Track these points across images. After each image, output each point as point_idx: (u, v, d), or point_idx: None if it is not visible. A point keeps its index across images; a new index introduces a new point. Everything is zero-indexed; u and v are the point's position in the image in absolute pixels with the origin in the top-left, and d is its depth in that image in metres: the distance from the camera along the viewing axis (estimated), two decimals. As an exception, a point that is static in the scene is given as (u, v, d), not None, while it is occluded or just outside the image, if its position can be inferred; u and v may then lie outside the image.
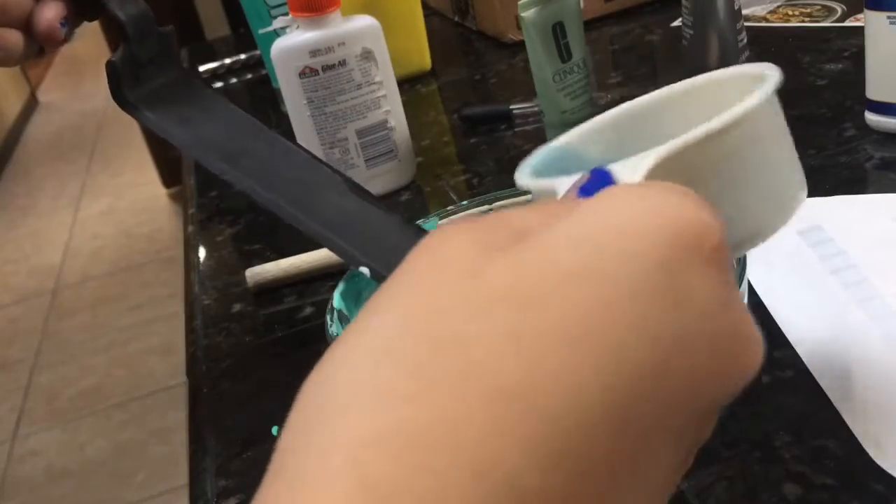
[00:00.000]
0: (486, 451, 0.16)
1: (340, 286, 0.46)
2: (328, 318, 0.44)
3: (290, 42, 0.67)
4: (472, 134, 0.81)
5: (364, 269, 0.43)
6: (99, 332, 2.46)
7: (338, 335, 0.42)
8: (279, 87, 0.69)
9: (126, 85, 0.48)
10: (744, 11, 0.73)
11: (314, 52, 0.66)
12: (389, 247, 0.44)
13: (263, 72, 1.10)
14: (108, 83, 0.47)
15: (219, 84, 1.18)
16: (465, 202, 0.52)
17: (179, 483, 1.80)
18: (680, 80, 0.35)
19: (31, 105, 4.81)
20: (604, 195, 0.20)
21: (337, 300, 0.45)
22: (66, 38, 0.48)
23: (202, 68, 1.21)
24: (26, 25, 0.47)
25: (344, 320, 0.44)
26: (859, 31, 0.67)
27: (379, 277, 0.43)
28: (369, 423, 0.17)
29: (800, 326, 0.44)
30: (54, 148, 4.20)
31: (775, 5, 0.93)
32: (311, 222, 0.45)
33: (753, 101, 0.27)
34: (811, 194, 0.56)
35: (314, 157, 0.48)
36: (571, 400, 0.17)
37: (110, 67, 0.47)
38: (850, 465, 0.36)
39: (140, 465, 1.89)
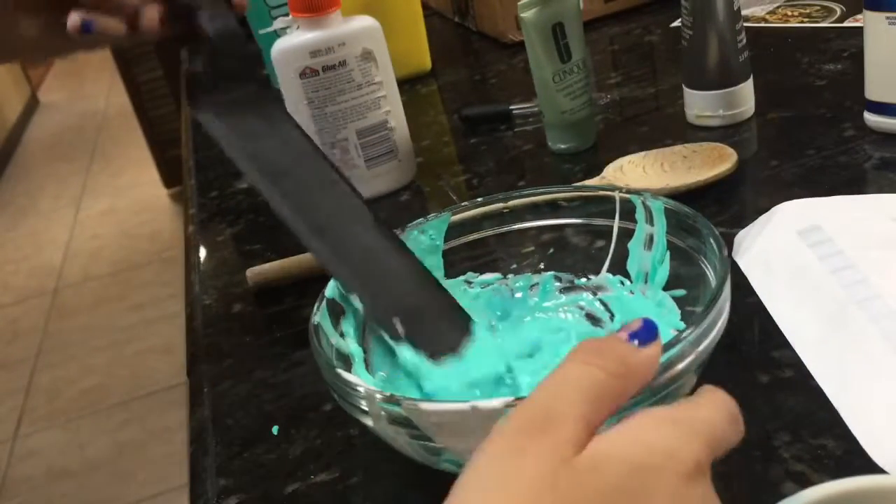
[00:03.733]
0: None
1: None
2: (316, 305, 0.44)
3: (291, 42, 0.67)
4: (472, 134, 0.81)
5: (357, 303, 0.44)
6: (99, 332, 2.46)
7: (320, 323, 0.42)
8: (279, 88, 0.69)
9: (201, 93, 0.50)
10: (743, 12, 0.73)
11: (314, 53, 0.66)
12: (395, 287, 0.45)
13: (263, 72, 1.10)
14: (185, 89, 0.50)
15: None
16: (466, 203, 0.52)
17: (179, 483, 1.80)
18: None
19: (31, 105, 4.81)
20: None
21: (330, 290, 0.45)
22: (157, 37, 0.53)
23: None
24: (131, 18, 0.52)
25: (334, 311, 0.44)
26: (858, 32, 0.67)
27: (366, 306, 0.44)
28: None
29: (799, 326, 0.44)
30: (55, 148, 4.20)
31: (775, 6, 0.94)
32: (326, 252, 0.46)
33: None
34: (811, 194, 0.57)
35: (354, 190, 0.50)
36: None
37: (189, 76, 0.50)
38: (850, 464, 0.36)
39: (140, 464, 1.89)
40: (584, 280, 0.48)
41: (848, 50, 0.78)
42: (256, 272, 0.61)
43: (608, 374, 0.27)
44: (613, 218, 0.47)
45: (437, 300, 0.46)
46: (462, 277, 0.50)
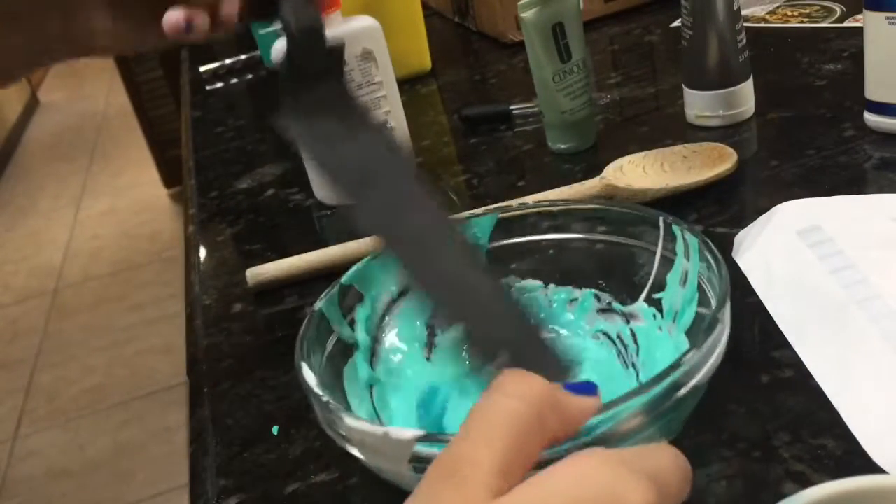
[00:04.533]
0: None
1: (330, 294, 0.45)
2: (326, 291, 0.43)
3: (291, 42, 0.67)
4: (472, 134, 0.81)
5: (459, 330, 0.41)
6: (99, 332, 2.47)
7: (322, 310, 0.42)
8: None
9: (283, 93, 0.47)
10: (743, 12, 0.73)
11: (314, 53, 0.66)
12: (499, 320, 0.42)
13: (263, 72, 1.10)
14: (279, 90, 0.47)
15: (219, 84, 1.18)
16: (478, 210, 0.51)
17: (179, 483, 1.80)
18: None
19: (31, 105, 4.81)
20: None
21: (349, 277, 0.45)
22: (236, 30, 0.51)
23: (202, 68, 1.21)
24: (213, 11, 0.50)
25: (348, 298, 0.44)
26: (858, 32, 0.67)
27: (471, 337, 0.40)
28: None
29: (799, 326, 0.44)
30: (55, 148, 4.20)
31: (775, 6, 0.94)
32: (426, 277, 0.42)
33: None
34: (811, 194, 0.57)
35: (446, 212, 0.45)
36: None
37: (276, 76, 0.48)
38: (850, 464, 0.36)
39: (140, 464, 1.89)
40: (620, 305, 0.47)
41: (848, 50, 0.78)
42: (256, 272, 0.61)
43: (528, 405, 0.25)
44: (657, 244, 0.45)
45: (540, 342, 0.42)
46: (502, 281, 0.48)
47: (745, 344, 0.45)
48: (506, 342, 0.41)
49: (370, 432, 0.33)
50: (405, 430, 0.31)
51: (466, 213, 0.49)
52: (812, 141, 0.64)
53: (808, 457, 0.37)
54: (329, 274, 0.61)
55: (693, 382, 0.33)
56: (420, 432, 0.31)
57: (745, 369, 0.43)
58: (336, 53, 0.49)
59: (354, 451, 0.35)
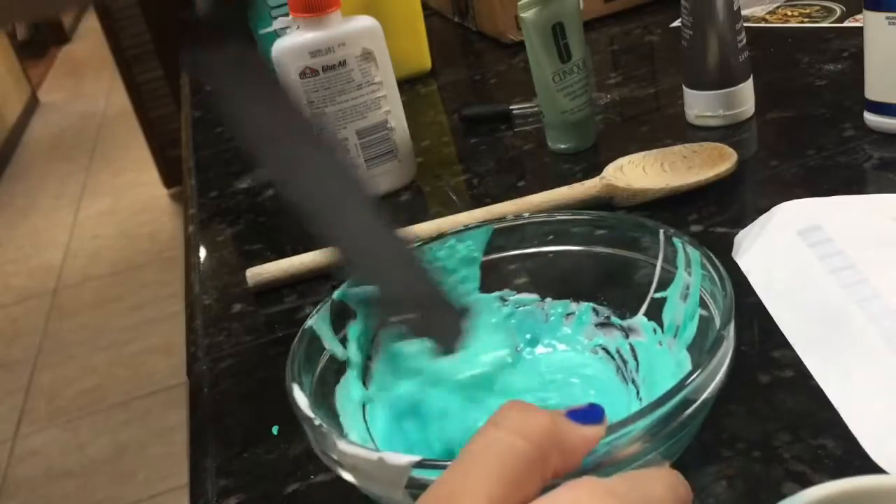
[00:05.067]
0: None
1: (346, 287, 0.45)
2: (317, 308, 0.43)
3: (291, 42, 0.67)
4: (472, 134, 0.81)
5: (367, 293, 0.42)
6: (99, 332, 2.47)
7: (313, 327, 0.42)
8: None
9: (195, 47, 0.45)
10: (743, 12, 0.73)
11: (314, 53, 0.66)
12: (406, 278, 0.43)
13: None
14: (181, 41, 0.45)
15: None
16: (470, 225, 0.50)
17: (179, 483, 1.80)
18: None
19: (31, 105, 4.81)
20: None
21: (340, 293, 0.44)
22: None
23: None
24: None
25: (340, 314, 0.43)
26: (858, 32, 0.67)
27: (386, 298, 0.41)
28: None
29: (799, 326, 0.44)
30: (55, 148, 4.20)
31: (774, 6, 0.94)
32: (332, 231, 0.42)
33: None
34: (811, 194, 0.57)
35: (355, 173, 0.46)
36: None
37: (185, 26, 0.45)
38: (850, 464, 0.36)
39: (140, 464, 1.89)
40: (619, 319, 0.45)
41: (848, 50, 0.78)
42: (256, 272, 0.61)
43: (529, 442, 0.24)
44: (657, 256, 0.43)
45: (442, 296, 0.43)
46: (497, 293, 0.48)
47: (745, 344, 0.45)
48: (411, 299, 0.42)
49: (364, 458, 0.32)
50: (400, 456, 0.30)
51: (461, 227, 0.48)
52: (812, 141, 0.64)
53: (808, 457, 0.37)
54: (328, 274, 0.61)
55: (697, 404, 0.32)
56: (416, 458, 0.30)
57: (745, 369, 0.43)
58: (244, 6, 0.47)
59: (348, 476, 0.34)
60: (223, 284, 0.65)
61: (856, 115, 0.64)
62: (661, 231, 0.43)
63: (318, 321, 0.42)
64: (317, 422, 0.35)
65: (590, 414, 0.28)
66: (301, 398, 0.37)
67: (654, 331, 0.43)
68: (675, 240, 0.42)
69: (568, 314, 0.47)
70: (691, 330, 0.40)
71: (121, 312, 2.53)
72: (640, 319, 0.44)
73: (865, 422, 0.38)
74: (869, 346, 0.41)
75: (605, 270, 0.46)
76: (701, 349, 0.38)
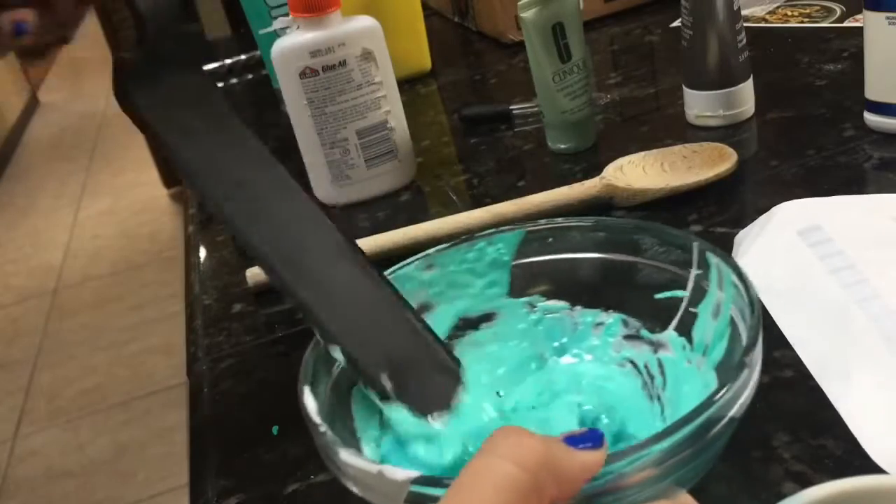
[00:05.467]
0: None
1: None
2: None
3: (291, 42, 0.67)
4: (472, 134, 0.81)
5: (337, 353, 0.39)
6: (99, 332, 2.47)
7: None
8: (279, 88, 0.69)
9: (133, 83, 0.42)
10: (743, 12, 0.73)
11: (314, 53, 0.66)
12: (381, 336, 0.40)
13: (263, 72, 1.10)
14: (113, 79, 0.42)
15: (219, 84, 1.18)
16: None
17: (179, 483, 1.80)
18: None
19: (31, 105, 4.81)
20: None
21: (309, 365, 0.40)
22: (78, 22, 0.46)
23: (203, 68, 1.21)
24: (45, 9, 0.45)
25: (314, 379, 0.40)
26: (858, 32, 0.67)
27: (351, 361, 0.39)
28: None
29: (799, 326, 0.44)
30: (55, 148, 4.20)
31: (774, 6, 0.94)
32: (293, 282, 0.40)
33: None
34: (811, 194, 0.57)
35: (320, 207, 0.43)
36: None
37: (118, 62, 0.42)
38: (850, 464, 0.36)
39: (140, 464, 1.89)
40: (649, 332, 0.43)
41: (848, 50, 0.78)
42: (256, 272, 0.61)
43: (523, 469, 0.24)
44: (690, 270, 0.41)
45: (426, 348, 0.41)
46: (526, 299, 0.46)
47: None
48: (387, 360, 0.39)
49: (364, 470, 0.31)
50: (399, 471, 0.30)
51: (492, 230, 0.46)
52: (812, 141, 0.64)
53: (808, 457, 0.37)
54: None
55: (714, 432, 0.31)
56: (414, 474, 0.30)
57: (745, 369, 0.43)
58: (193, 38, 0.44)
59: (350, 486, 0.33)
60: (223, 284, 0.65)
61: (856, 115, 0.64)
62: (696, 244, 0.41)
63: None
64: (322, 428, 0.34)
65: (588, 439, 0.27)
66: (310, 402, 0.36)
67: (684, 347, 0.42)
68: (709, 255, 0.40)
69: (597, 324, 0.45)
70: (720, 350, 0.39)
71: (121, 312, 2.53)
72: (669, 334, 0.42)
73: (865, 422, 0.38)
74: (869, 346, 0.41)
75: (637, 281, 0.44)
76: (728, 371, 0.36)
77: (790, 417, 0.40)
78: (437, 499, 0.29)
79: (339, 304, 0.40)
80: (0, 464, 2.00)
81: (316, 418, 0.35)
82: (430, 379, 0.40)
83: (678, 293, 0.42)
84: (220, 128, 0.43)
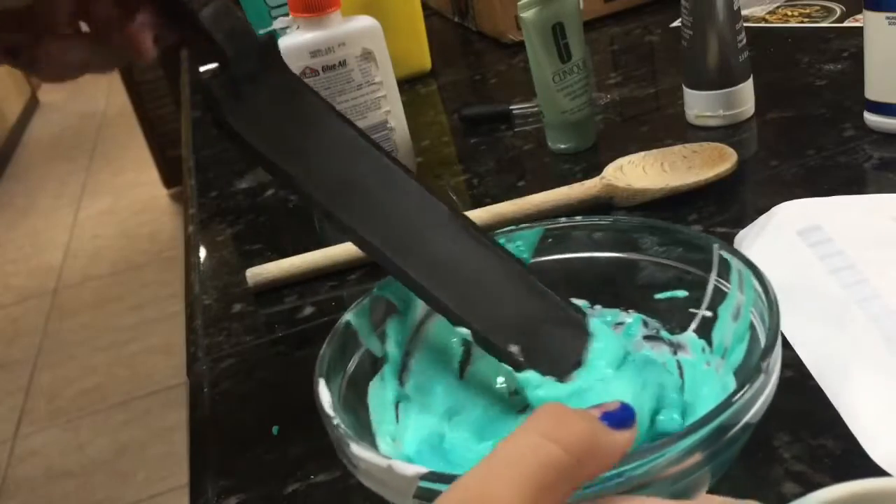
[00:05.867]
0: None
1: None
2: (358, 301, 0.41)
3: (291, 42, 0.67)
4: (472, 134, 0.81)
5: (464, 330, 0.39)
6: (99, 332, 2.47)
7: (351, 322, 0.40)
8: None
9: (227, 108, 0.41)
10: (743, 12, 0.73)
11: (314, 53, 0.66)
12: (504, 306, 0.40)
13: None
14: (209, 108, 0.41)
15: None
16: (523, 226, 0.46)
17: (179, 483, 1.80)
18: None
19: (32, 105, 4.81)
20: None
21: (382, 288, 0.42)
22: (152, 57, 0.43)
23: (202, 68, 1.21)
24: (104, 33, 0.43)
25: (381, 310, 0.41)
26: (858, 32, 0.67)
27: (480, 339, 0.39)
28: None
29: (799, 326, 0.44)
30: (55, 148, 4.20)
31: (774, 6, 0.94)
32: (416, 273, 0.40)
33: None
34: (811, 194, 0.57)
35: (427, 187, 0.43)
36: None
37: (208, 91, 0.41)
38: (850, 464, 0.36)
39: (140, 464, 1.89)
40: (669, 333, 0.43)
41: (848, 50, 0.78)
42: (256, 272, 0.61)
43: (566, 451, 0.23)
44: (710, 271, 0.41)
45: (549, 308, 0.41)
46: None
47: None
48: (515, 333, 0.39)
49: (375, 464, 0.31)
50: (409, 466, 0.30)
51: (512, 227, 0.46)
52: (812, 141, 0.64)
53: (808, 457, 0.37)
54: (329, 274, 0.61)
55: (729, 436, 0.31)
56: (424, 470, 0.30)
57: (745, 369, 0.43)
58: (269, 47, 0.43)
59: (363, 480, 0.33)
60: (223, 284, 0.65)
61: (856, 115, 0.64)
62: (716, 246, 0.40)
63: (355, 315, 0.41)
64: (335, 421, 0.34)
65: (622, 418, 0.27)
66: (325, 394, 0.36)
67: (703, 349, 0.41)
68: (730, 257, 0.40)
69: (617, 324, 0.45)
70: (739, 353, 0.38)
71: (121, 312, 2.53)
72: (689, 336, 0.42)
73: (865, 422, 0.38)
74: (869, 346, 0.41)
75: (655, 281, 0.44)
76: (746, 374, 0.35)
77: (790, 417, 0.39)
78: None
79: (460, 283, 0.40)
80: (0, 464, 2.00)
81: (330, 411, 0.35)
82: (558, 338, 0.40)
83: (698, 294, 0.42)
84: (313, 125, 0.43)
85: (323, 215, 0.41)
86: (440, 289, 0.40)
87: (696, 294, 0.42)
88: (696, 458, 0.30)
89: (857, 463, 0.36)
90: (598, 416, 0.26)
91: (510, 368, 0.39)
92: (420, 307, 0.44)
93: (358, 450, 0.32)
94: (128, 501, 1.80)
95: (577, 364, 0.39)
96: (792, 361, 0.43)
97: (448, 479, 0.29)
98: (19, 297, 2.79)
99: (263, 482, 0.44)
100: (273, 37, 0.44)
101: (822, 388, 0.40)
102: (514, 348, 0.39)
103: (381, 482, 0.32)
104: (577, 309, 0.42)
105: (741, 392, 0.31)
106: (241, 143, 0.41)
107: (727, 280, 0.40)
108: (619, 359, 0.40)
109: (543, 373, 0.39)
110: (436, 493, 0.29)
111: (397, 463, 0.31)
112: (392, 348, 0.42)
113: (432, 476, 0.30)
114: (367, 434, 0.39)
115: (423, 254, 0.41)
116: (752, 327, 0.38)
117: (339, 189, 0.41)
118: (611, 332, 0.41)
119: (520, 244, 0.45)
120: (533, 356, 0.39)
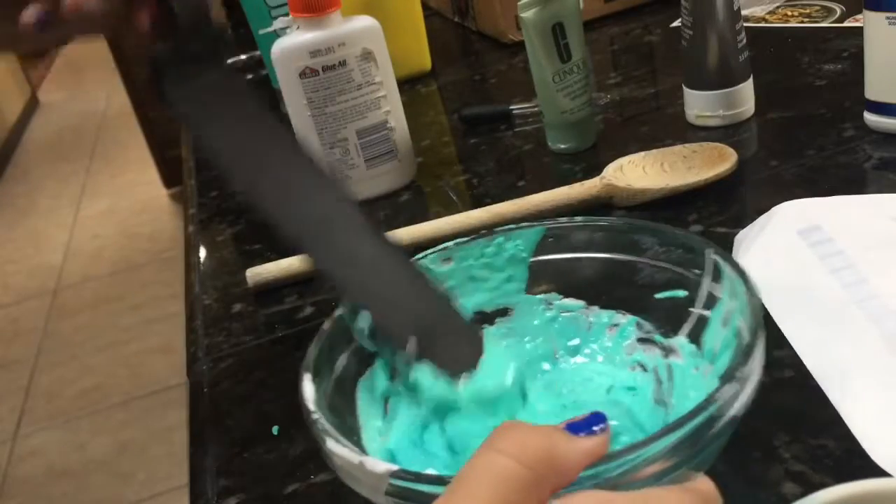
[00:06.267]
0: None
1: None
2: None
3: (291, 42, 0.67)
4: (472, 134, 0.81)
5: (366, 320, 0.41)
6: (99, 331, 2.46)
7: (344, 316, 0.41)
8: (279, 88, 0.69)
9: (168, 80, 0.45)
10: (743, 12, 0.73)
11: (314, 53, 0.66)
12: (407, 303, 0.42)
13: (264, 72, 1.10)
14: (151, 76, 0.45)
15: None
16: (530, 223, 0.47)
17: (179, 483, 1.80)
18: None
19: (31, 105, 4.81)
20: None
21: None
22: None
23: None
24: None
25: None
26: (858, 32, 0.67)
27: (380, 325, 0.41)
28: None
29: (799, 326, 0.44)
30: (55, 148, 4.20)
31: (775, 6, 0.94)
32: (323, 256, 0.42)
33: None
34: (811, 194, 0.57)
35: (346, 191, 0.45)
36: None
37: (154, 60, 0.45)
38: (850, 464, 0.36)
39: (140, 464, 1.89)
40: (662, 337, 0.43)
41: (848, 50, 0.78)
42: (256, 272, 0.61)
43: (522, 465, 0.24)
44: (703, 276, 0.41)
45: (449, 315, 0.42)
46: (542, 296, 0.46)
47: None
48: (414, 325, 0.41)
49: (347, 460, 0.32)
50: (380, 463, 0.31)
51: (513, 225, 0.46)
52: (812, 141, 0.64)
53: (808, 457, 0.37)
54: (332, 286, 0.61)
55: (700, 440, 0.30)
56: (394, 467, 0.30)
57: (745, 369, 0.43)
58: (219, 37, 0.48)
59: (340, 476, 0.34)
60: (223, 284, 0.65)
61: (856, 115, 0.64)
62: (708, 251, 0.40)
63: (348, 311, 0.41)
64: (314, 416, 0.34)
65: (590, 423, 0.27)
66: (308, 389, 0.36)
67: (693, 354, 0.41)
68: (721, 262, 0.40)
69: (612, 325, 0.45)
70: (725, 359, 0.38)
71: (121, 312, 2.53)
72: (681, 340, 0.42)
73: (865, 422, 0.38)
74: (869, 346, 0.41)
75: (650, 283, 0.44)
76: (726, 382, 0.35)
77: (790, 417, 0.40)
78: (417, 492, 0.29)
79: (367, 274, 0.42)
80: (0, 464, 2.00)
81: (310, 405, 0.35)
82: (455, 343, 0.42)
83: (690, 298, 0.42)
84: (249, 117, 0.46)
85: (239, 193, 0.44)
86: (349, 276, 0.42)
87: (692, 296, 0.42)
88: (666, 463, 0.30)
89: (856, 463, 0.36)
90: (563, 427, 0.27)
91: (403, 362, 0.41)
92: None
93: (333, 445, 0.33)
94: (128, 501, 1.80)
95: (470, 368, 0.40)
96: (792, 361, 0.43)
97: (419, 477, 0.30)
98: (19, 297, 2.79)
99: (263, 482, 0.44)
100: (225, 30, 0.47)
101: (822, 388, 0.40)
102: (412, 342, 0.40)
103: (354, 479, 0.32)
104: (475, 324, 0.44)
105: (707, 400, 0.31)
106: (176, 115, 0.45)
107: (719, 285, 0.40)
108: (505, 373, 0.41)
109: (437, 368, 0.40)
110: (407, 491, 0.29)
111: (369, 460, 0.31)
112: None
113: (403, 473, 0.30)
114: (353, 430, 0.39)
115: (336, 244, 0.43)
116: (739, 334, 0.37)
117: (256, 171, 0.44)
118: (500, 347, 0.43)
119: (519, 242, 0.46)
120: (429, 352, 0.40)
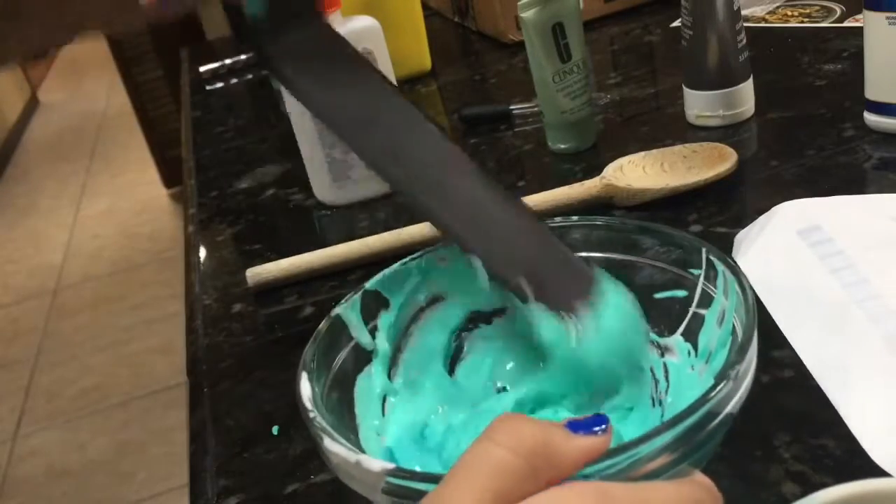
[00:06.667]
0: None
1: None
2: (349, 296, 0.41)
3: (291, 42, 0.67)
4: (473, 134, 0.81)
5: (478, 262, 0.41)
6: (99, 331, 2.47)
7: (341, 315, 0.41)
8: (279, 88, 0.69)
9: (264, 38, 0.43)
10: (743, 12, 0.73)
11: (314, 53, 0.66)
12: (514, 243, 0.42)
13: (264, 72, 1.10)
14: (243, 33, 0.44)
15: (219, 84, 1.18)
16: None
17: (179, 483, 1.80)
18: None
19: (31, 105, 4.81)
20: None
21: (374, 282, 0.43)
22: None
23: (202, 68, 1.21)
24: None
25: (372, 304, 0.42)
26: (858, 32, 0.67)
27: (490, 267, 0.40)
28: None
29: (799, 326, 0.44)
30: (55, 148, 4.20)
31: (774, 6, 0.94)
32: (432, 204, 0.42)
33: None
34: (811, 194, 0.57)
35: (447, 136, 0.45)
36: None
37: (246, 17, 0.43)
38: (850, 464, 0.36)
39: (140, 464, 1.89)
40: (658, 336, 0.43)
41: (848, 50, 0.78)
42: (256, 272, 0.61)
43: (517, 456, 0.25)
44: (698, 275, 0.41)
45: (558, 253, 0.42)
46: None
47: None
48: (522, 262, 0.41)
49: (344, 458, 0.32)
50: (377, 462, 0.31)
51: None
52: (812, 141, 0.64)
53: (808, 457, 0.37)
54: (329, 274, 0.61)
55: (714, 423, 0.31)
56: (390, 465, 0.30)
57: (745, 369, 0.43)
58: None
59: (337, 475, 0.34)
60: (223, 284, 0.65)
61: (856, 115, 0.64)
62: (704, 250, 0.40)
63: (346, 309, 0.41)
64: (311, 415, 0.34)
65: (592, 423, 0.27)
66: (305, 388, 0.36)
67: (689, 353, 0.41)
68: (716, 261, 0.40)
69: None
70: (720, 359, 0.38)
71: (121, 312, 2.53)
72: (676, 339, 0.42)
73: (865, 422, 0.38)
74: (869, 346, 0.41)
75: (646, 282, 0.43)
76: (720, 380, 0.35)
77: (790, 417, 0.40)
78: (413, 490, 0.30)
79: (475, 218, 0.42)
80: (0, 464, 2.00)
81: (307, 403, 0.35)
82: (566, 280, 0.41)
83: (686, 297, 0.42)
84: (346, 68, 0.45)
85: (348, 146, 0.43)
86: (458, 220, 0.41)
87: (691, 296, 0.42)
88: (663, 460, 0.29)
89: (856, 463, 0.36)
90: (563, 425, 0.27)
91: (520, 303, 0.40)
92: (412, 303, 0.44)
93: (330, 444, 0.33)
94: (128, 501, 1.80)
95: (586, 306, 0.40)
96: (792, 361, 0.43)
97: (415, 475, 0.30)
98: (19, 297, 2.79)
99: (263, 482, 0.44)
100: None
101: (822, 388, 0.40)
102: (522, 281, 0.40)
103: (351, 477, 0.32)
104: (588, 262, 0.42)
105: (702, 397, 0.31)
106: (275, 73, 0.44)
107: (714, 284, 0.40)
108: (625, 313, 0.40)
109: (549, 307, 0.39)
110: (404, 489, 0.30)
111: (365, 458, 0.31)
112: (382, 343, 0.42)
113: (399, 472, 0.30)
114: (350, 429, 0.39)
115: (443, 191, 0.42)
116: (734, 333, 0.37)
117: (362, 125, 0.43)
118: (620, 287, 0.41)
119: None
120: (541, 292, 0.40)
